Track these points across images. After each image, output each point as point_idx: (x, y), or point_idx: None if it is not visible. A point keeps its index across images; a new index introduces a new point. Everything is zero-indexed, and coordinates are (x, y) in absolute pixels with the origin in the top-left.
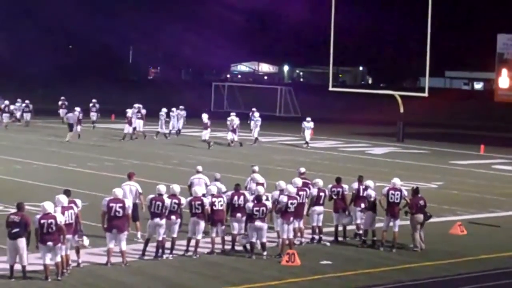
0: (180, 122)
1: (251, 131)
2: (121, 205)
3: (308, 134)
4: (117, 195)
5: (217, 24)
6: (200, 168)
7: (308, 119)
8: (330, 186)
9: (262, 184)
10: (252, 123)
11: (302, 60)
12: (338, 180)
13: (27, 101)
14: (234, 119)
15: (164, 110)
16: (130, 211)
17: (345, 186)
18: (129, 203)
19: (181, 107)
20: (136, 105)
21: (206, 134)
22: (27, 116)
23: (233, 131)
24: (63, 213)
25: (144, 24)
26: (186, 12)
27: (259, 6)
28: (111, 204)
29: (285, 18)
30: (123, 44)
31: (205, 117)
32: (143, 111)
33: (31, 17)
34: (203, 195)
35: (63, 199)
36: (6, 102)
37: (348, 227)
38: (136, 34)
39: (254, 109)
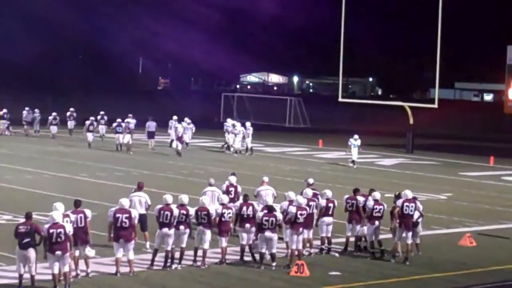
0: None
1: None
2: (127, 215)
3: (355, 152)
4: (124, 206)
5: (226, 34)
6: (212, 181)
7: (356, 136)
8: (346, 197)
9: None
10: (243, 134)
11: (311, 70)
12: (355, 191)
13: (54, 113)
14: (179, 128)
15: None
16: (136, 221)
17: (360, 199)
18: (135, 213)
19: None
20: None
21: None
22: (54, 129)
23: (179, 139)
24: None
25: (153, 33)
26: (196, 21)
27: (269, 17)
28: (117, 215)
29: (294, 28)
30: (133, 54)
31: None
32: (133, 121)
33: (41, 25)
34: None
35: (60, 206)
36: (5, 110)
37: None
38: (145, 43)
39: (234, 122)
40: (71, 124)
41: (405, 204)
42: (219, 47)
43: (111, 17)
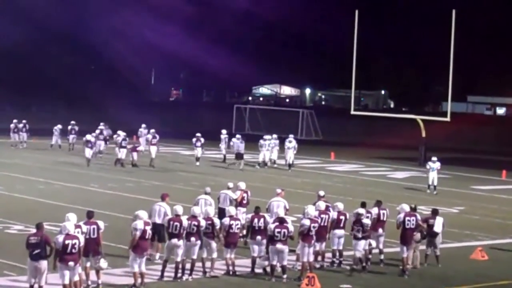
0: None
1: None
2: (150, 227)
3: (434, 176)
4: (142, 217)
5: (239, 47)
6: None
7: (434, 158)
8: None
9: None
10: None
11: (324, 83)
12: (364, 205)
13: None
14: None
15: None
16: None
17: (373, 211)
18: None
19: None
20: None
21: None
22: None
23: (133, 150)
24: None
25: (165, 44)
26: (209, 32)
27: (282, 29)
28: (146, 227)
29: (307, 40)
30: (145, 65)
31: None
32: (157, 136)
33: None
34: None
35: (72, 217)
36: (15, 121)
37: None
38: (157, 54)
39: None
40: (72, 138)
41: (406, 218)
42: (233, 58)
43: (121, 22)
